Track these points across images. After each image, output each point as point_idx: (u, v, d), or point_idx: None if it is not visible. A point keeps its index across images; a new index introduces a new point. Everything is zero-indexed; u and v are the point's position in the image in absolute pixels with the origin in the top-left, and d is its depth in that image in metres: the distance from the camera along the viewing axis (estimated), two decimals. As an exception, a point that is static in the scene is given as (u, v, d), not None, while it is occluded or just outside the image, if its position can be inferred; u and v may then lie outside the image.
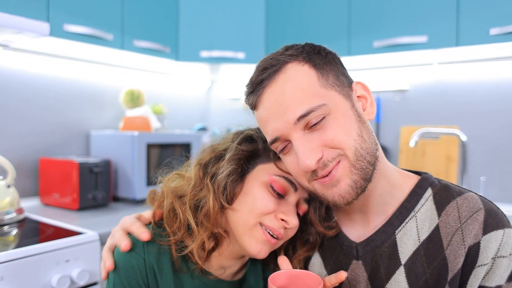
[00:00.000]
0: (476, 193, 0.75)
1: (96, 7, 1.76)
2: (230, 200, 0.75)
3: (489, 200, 0.74)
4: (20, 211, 1.60)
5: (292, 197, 0.77)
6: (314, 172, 0.70)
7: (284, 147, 0.72)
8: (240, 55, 2.17)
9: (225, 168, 0.75)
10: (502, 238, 0.68)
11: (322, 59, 0.73)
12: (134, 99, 2.14)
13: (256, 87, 0.73)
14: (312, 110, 0.67)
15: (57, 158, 1.84)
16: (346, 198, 0.70)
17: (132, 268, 0.74)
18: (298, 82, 0.70)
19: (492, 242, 0.68)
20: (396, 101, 2.17)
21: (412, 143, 1.86)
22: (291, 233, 0.77)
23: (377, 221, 0.78)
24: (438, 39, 1.73)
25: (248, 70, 2.36)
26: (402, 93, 2.16)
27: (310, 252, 0.84)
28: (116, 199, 1.97)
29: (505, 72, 1.88)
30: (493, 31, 1.61)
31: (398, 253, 0.74)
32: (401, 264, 0.74)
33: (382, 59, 1.99)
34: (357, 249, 0.79)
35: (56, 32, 1.62)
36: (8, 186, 1.59)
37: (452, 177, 1.97)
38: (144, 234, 0.76)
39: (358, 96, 0.75)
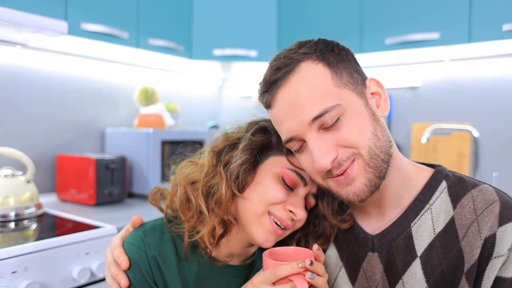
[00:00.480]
0: (490, 185, 0.76)
1: (112, 6, 1.80)
2: (242, 189, 0.77)
3: (504, 192, 0.75)
4: (39, 206, 1.63)
5: (302, 191, 0.79)
6: (329, 171, 0.71)
7: (300, 147, 0.74)
8: (253, 53, 2.19)
9: (238, 157, 0.77)
10: None
11: (335, 57, 0.73)
12: (148, 97, 2.18)
13: (270, 87, 0.74)
14: (327, 111, 0.69)
15: (73, 155, 1.87)
16: (360, 196, 0.72)
17: (135, 262, 0.77)
18: (312, 82, 0.71)
19: (508, 234, 0.69)
20: (408, 98, 2.18)
21: (424, 140, 1.87)
22: (298, 225, 0.79)
23: (392, 214, 0.80)
24: (450, 35, 1.74)
25: (260, 68, 2.38)
26: (413, 90, 2.17)
27: (324, 246, 0.85)
28: (131, 195, 2.00)
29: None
30: (506, 27, 1.62)
31: (414, 245, 0.76)
32: (417, 256, 0.75)
33: (394, 56, 2.00)
34: (372, 242, 0.80)
35: (74, 30, 1.65)
36: (28, 182, 1.62)
37: (464, 173, 1.97)
38: (123, 263, 0.77)
39: (372, 93, 0.76)
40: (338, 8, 2.03)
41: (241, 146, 0.79)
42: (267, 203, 0.75)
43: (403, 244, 0.77)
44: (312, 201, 0.81)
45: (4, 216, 1.52)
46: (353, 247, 0.83)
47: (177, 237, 0.81)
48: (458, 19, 1.72)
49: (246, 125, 0.84)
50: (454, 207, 0.74)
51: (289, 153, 0.80)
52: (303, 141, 0.73)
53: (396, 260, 0.77)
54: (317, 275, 0.67)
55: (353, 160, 0.71)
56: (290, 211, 0.76)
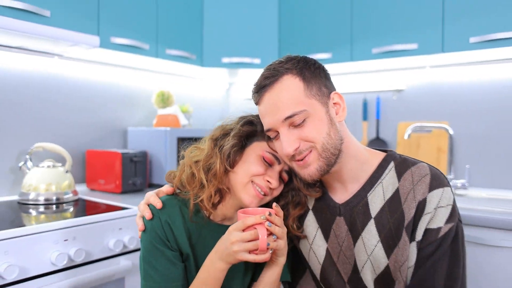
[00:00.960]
0: (426, 163, 1.03)
1: (136, 22, 2.09)
2: (232, 165, 1.04)
3: (436, 168, 1.02)
4: (75, 192, 1.93)
5: (277, 167, 1.05)
6: (292, 156, 0.99)
7: (276, 135, 1.02)
8: (256, 60, 2.48)
9: (229, 142, 1.05)
10: (442, 194, 0.96)
11: (310, 74, 0.99)
12: (165, 100, 2.47)
13: (259, 90, 1.00)
14: (296, 114, 0.95)
15: (101, 149, 2.17)
16: (312, 177, 1.00)
17: (152, 227, 1.04)
18: (289, 92, 0.96)
19: (434, 197, 0.96)
20: (394, 100, 2.46)
21: (405, 136, 2.14)
22: (275, 193, 1.06)
23: (353, 188, 1.06)
24: (427, 46, 2.02)
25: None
26: (399, 93, 2.45)
27: (301, 211, 1.12)
28: (151, 185, 2.29)
29: (488, 75, 2.15)
30: (472, 39, 1.89)
31: (370, 210, 1.03)
32: (371, 218, 1.02)
33: (381, 64, 2.28)
34: (339, 209, 1.07)
35: (105, 44, 1.95)
36: (67, 172, 1.92)
37: (442, 166, 2.25)
38: (158, 204, 1.05)
39: (334, 103, 1.01)
40: (331, 21, 2.31)
41: (232, 133, 1.07)
42: (251, 175, 1.03)
43: (362, 210, 1.04)
44: (285, 176, 1.07)
45: (47, 199, 1.82)
46: (325, 213, 1.10)
47: (184, 206, 1.08)
48: (433, 32, 1.99)
49: (237, 119, 1.13)
50: (399, 180, 1.01)
51: (269, 139, 1.07)
52: (278, 132, 1.00)
53: (356, 222, 1.04)
54: (275, 224, 0.93)
55: (310, 151, 0.97)
56: (268, 181, 1.03)
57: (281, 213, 0.97)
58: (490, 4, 1.86)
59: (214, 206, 1.07)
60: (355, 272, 1.04)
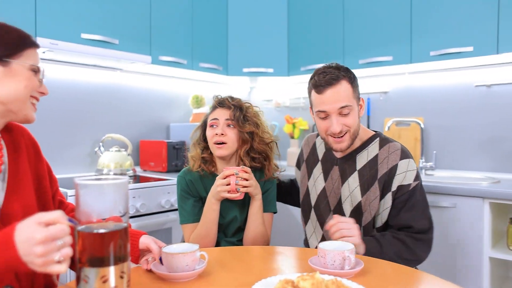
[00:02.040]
0: (400, 143, 1.51)
1: (177, 43, 2.78)
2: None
3: (405, 147, 1.50)
4: (134, 170, 2.64)
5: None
6: (333, 134, 1.44)
7: (325, 116, 1.45)
8: (270, 70, 3.14)
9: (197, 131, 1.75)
10: (409, 163, 1.43)
11: (354, 82, 1.46)
12: (198, 102, 3.16)
13: (324, 85, 1.42)
14: (347, 106, 1.42)
15: (150, 140, 2.87)
16: (342, 149, 1.48)
17: (181, 184, 1.69)
18: (345, 91, 1.42)
19: (403, 164, 1.43)
20: (381, 100, 3.05)
21: (386, 128, 2.73)
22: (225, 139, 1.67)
23: (348, 150, 1.53)
24: (399, 58, 2.61)
25: (276, 80, 3.33)
26: (385, 94, 3.04)
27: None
28: (188, 167, 2.98)
29: (451, 80, 2.72)
30: (432, 53, 2.47)
31: (356, 165, 1.51)
32: (356, 170, 1.51)
33: (368, 72, 2.88)
34: (337, 161, 1.57)
35: (155, 61, 2.64)
36: (128, 155, 2.63)
37: (417, 151, 2.82)
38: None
39: (360, 104, 1.51)
40: (324, 40, 2.93)
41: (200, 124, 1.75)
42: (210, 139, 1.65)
43: (351, 164, 1.52)
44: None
45: (115, 174, 2.53)
46: (327, 163, 1.61)
47: (201, 171, 1.69)
48: (403, 46, 2.58)
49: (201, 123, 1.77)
50: (379, 150, 1.49)
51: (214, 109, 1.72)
52: (328, 115, 1.44)
53: (346, 171, 1.53)
54: (241, 177, 1.50)
55: (346, 133, 1.45)
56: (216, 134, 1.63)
57: (248, 170, 1.55)
58: None
59: (207, 163, 1.69)
60: (339, 204, 1.53)
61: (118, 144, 2.70)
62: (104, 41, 2.36)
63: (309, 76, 3.06)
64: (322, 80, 1.44)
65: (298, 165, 1.80)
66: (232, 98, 1.74)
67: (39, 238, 0.73)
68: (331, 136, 1.46)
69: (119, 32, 2.45)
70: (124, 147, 2.70)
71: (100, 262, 0.79)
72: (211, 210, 1.58)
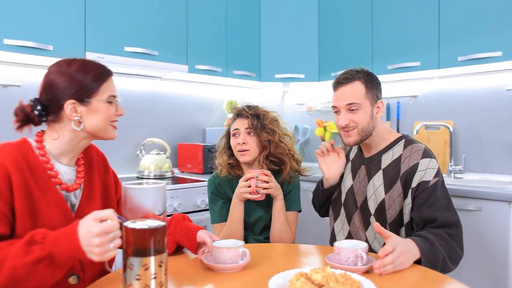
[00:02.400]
0: (423, 144, 1.58)
1: (211, 53, 2.95)
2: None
3: (429, 148, 1.56)
4: (172, 172, 2.83)
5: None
6: (343, 127, 1.56)
7: (337, 112, 1.59)
8: (301, 75, 3.25)
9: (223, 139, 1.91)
10: (430, 162, 1.49)
11: (370, 84, 1.55)
12: (232, 106, 3.31)
13: (338, 83, 1.57)
14: (354, 103, 1.53)
15: (187, 143, 3.05)
16: (350, 144, 1.59)
17: (209, 186, 1.86)
18: (355, 90, 1.54)
19: (424, 162, 1.49)
20: (411, 103, 3.10)
21: (414, 132, 2.79)
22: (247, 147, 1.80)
23: (375, 151, 1.63)
24: (427, 63, 2.66)
25: (307, 85, 3.44)
26: (414, 98, 3.09)
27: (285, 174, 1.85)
28: (223, 169, 3.14)
29: (481, 83, 2.74)
30: (460, 58, 2.51)
31: (381, 164, 1.59)
32: (381, 169, 1.59)
33: (397, 76, 2.94)
34: (364, 160, 1.66)
35: (191, 70, 2.82)
36: (167, 158, 2.82)
37: (446, 155, 2.86)
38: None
39: (377, 107, 1.58)
40: (353, 46, 3.02)
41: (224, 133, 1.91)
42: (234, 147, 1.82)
43: (376, 163, 1.60)
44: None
45: (155, 175, 2.72)
46: (357, 162, 1.70)
47: (228, 176, 1.85)
48: (432, 52, 2.63)
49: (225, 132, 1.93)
50: (403, 150, 1.57)
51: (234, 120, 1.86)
52: (339, 110, 1.58)
53: (372, 170, 1.61)
54: (261, 179, 1.64)
55: (353, 129, 1.55)
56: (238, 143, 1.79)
57: (268, 173, 1.68)
58: None
59: (233, 168, 1.85)
60: (365, 201, 1.61)
61: (157, 148, 2.89)
62: (145, 53, 2.56)
63: None
64: (339, 79, 1.60)
65: None
66: (249, 107, 1.86)
67: (96, 232, 0.92)
68: (342, 130, 1.59)
69: (158, 44, 2.64)
70: (163, 150, 2.90)
71: (142, 253, 0.93)
72: (235, 210, 1.73)
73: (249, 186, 1.66)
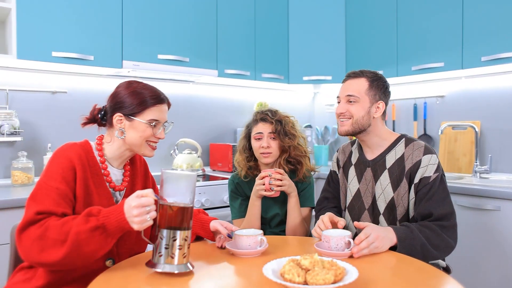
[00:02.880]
0: (423, 142, 1.63)
1: (240, 58, 3.11)
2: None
3: (428, 145, 1.62)
4: (203, 170, 3.01)
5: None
6: (339, 116, 1.67)
7: (339, 101, 1.69)
8: (328, 77, 3.35)
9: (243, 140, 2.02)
10: (431, 157, 1.56)
11: (376, 85, 1.65)
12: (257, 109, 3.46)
13: (349, 75, 1.69)
14: (352, 96, 1.63)
15: (219, 143, 3.23)
16: (341, 133, 1.67)
17: (230, 185, 2.01)
18: (357, 85, 1.64)
19: (426, 159, 1.56)
20: (437, 103, 3.12)
21: (439, 132, 2.81)
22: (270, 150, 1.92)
23: (377, 152, 1.68)
24: (450, 64, 2.69)
25: (335, 87, 3.52)
26: (441, 98, 3.10)
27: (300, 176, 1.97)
28: (252, 168, 3.29)
29: (509, 83, 2.73)
30: (483, 58, 2.52)
31: (385, 164, 1.64)
32: (386, 169, 1.64)
33: (424, 76, 2.97)
34: (368, 163, 1.70)
35: (221, 74, 3.00)
36: (198, 157, 3.02)
37: (473, 155, 2.86)
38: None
39: (377, 106, 1.65)
40: (379, 48, 3.07)
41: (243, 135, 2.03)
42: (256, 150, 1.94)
43: (381, 164, 1.66)
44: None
45: (187, 174, 2.92)
46: (360, 166, 1.74)
47: (246, 176, 2.00)
48: (455, 52, 2.65)
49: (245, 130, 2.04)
50: (405, 148, 1.63)
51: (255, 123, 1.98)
52: (340, 100, 1.68)
53: (377, 171, 1.66)
54: (274, 177, 1.78)
55: (349, 118, 1.64)
56: (262, 146, 1.90)
57: (281, 171, 1.82)
58: None
59: (251, 169, 1.99)
60: (374, 202, 1.66)
61: (189, 147, 3.10)
62: (176, 60, 2.76)
63: None
64: (349, 73, 1.72)
65: (332, 176, 1.94)
66: (272, 113, 1.97)
67: (134, 205, 1.14)
68: (338, 118, 1.70)
69: (189, 51, 2.84)
70: (195, 150, 3.09)
71: (172, 227, 1.17)
72: (253, 206, 1.88)
73: (264, 184, 1.81)
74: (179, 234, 1.17)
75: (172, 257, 1.16)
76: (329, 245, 1.33)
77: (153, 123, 1.40)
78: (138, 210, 1.13)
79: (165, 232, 1.17)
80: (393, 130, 3.33)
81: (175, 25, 2.78)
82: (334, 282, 1.03)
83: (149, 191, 1.17)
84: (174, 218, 1.17)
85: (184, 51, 2.81)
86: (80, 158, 1.32)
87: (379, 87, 1.67)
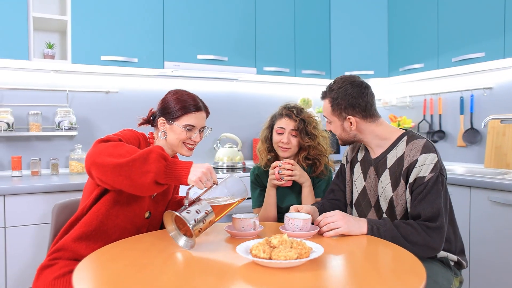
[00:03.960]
0: (426, 138, 1.57)
1: (279, 55, 3.22)
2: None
3: (431, 142, 1.56)
4: (244, 163, 3.17)
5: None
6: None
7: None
8: (371, 72, 3.33)
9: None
10: (428, 157, 1.49)
11: (335, 103, 1.62)
12: (306, 103, 3.53)
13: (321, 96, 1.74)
14: (326, 118, 1.68)
15: (261, 138, 3.37)
16: (340, 144, 1.73)
17: (250, 176, 2.12)
18: (326, 108, 1.66)
19: (422, 158, 1.50)
20: (484, 96, 2.97)
21: (482, 125, 2.69)
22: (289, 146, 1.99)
23: (379, 152, 1.64)
24: (491, 54, 2.57)
25: (378, 81, 3.49)
26: (489, 90, 2.95)
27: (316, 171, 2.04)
28: (293, 162, 3.39)
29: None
30: (526, 46, 2.39)
31: (387, 163, 1.61)
32: (387, 168, 1.61)
33: (469, 68, 2.86)
34: (372, 162, 1.68)
35: (259, 71, 3.13)
36: (238, 150, 3.18)
37: (520, 150, 2.70)
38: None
39: (349, 122, 1.61)
40: (420, 41, 3.00)
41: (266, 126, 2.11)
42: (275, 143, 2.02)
43: (383, 163, 1.63)
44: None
45: (227, 166, 3.10)
46: (365, 164, 1.72)
47: (264, 167, 2.10)
48: (497, 41, 2.53)
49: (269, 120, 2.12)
50: (406, 146, 1.57)
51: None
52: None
53: (379, 169, 1.64)
54: (283, 167, 1.87)
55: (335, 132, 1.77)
56: (282, 141, 1.98)
57: (292, 162, 1.90)
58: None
59: (271, 161, 2.07)
60: (378, 200, 1.66)
61: (231, 142, 3.27)
62: (215, 59, 2.95)
63: (407, 76, 3.36)
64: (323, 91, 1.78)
65: (342, 168, 1.95)
66: (297, 111, 2.05)
67: (205, 166, 1.36)
68: None
69: (228, 50, 3.01)
70: (236, 144, 3.26)
71: (213, 207, 1.36)
72: (268, 195, 2.00)
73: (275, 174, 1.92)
74: (211, 215, 1.34)
75: (194, 222, 1.30)
76: (289, 226, 1.48)
77: (189, 128, 1.61)
78: (204, 171, 1.34)
79: (203, 207, 1.34)
80: (440, 125, 3.26)
81: (213, 26, 2.97)
82: (297, 259, 1.13)
83: (209, 166, 1.39)
84: (218, 206, 1.38)
85: (223, 50, 2.99)
86: (140, 141, 1.60)
87: (341, 105, 1.63)
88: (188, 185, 1.36)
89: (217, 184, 1.38)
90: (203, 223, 1.32)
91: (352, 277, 1.11)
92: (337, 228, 1.45)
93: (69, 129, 2.67)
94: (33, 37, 2.49)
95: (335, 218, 1.47)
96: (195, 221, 1.30)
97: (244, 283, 1.06)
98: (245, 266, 1.16)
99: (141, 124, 1.71)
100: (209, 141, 3.31)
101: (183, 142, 1.62)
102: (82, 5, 2.56)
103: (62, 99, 2.81)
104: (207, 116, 1.70)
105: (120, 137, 1.48)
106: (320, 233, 1.48)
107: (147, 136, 1.66)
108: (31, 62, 2.45)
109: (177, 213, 1.31)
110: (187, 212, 1.31)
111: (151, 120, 1.70)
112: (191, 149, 1.65)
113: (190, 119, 1.61)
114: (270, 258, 1.15)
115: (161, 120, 1.63)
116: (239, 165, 3.13)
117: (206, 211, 1.33)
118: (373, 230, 1.47)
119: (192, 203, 1.37)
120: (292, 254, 1.13)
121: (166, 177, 1.34)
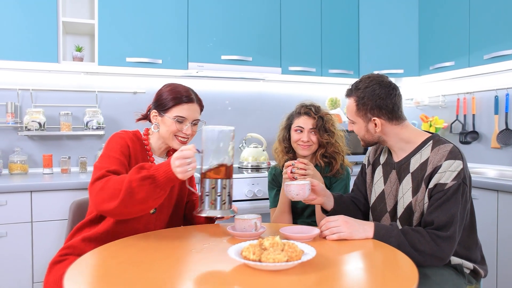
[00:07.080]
0: (452, 143, 1.50)
1: (304, 54, 3.19)
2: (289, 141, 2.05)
3: (458, 148, 1.48)
4: (269, 163, 3.17)
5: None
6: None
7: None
8: (400, 71, 3.24)
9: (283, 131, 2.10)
10: (453, 163, 1.42)
11: (361, 103, 1.55)
12: (334, 103, 3.48)
13: (345, 94, 1.67)
14: (349, 118, 1.63)
15: (287, 138, 3.35)
16: (362, 145, 1.68)
17: (268, 176, 2.13)
18: (350, 107, 1.61)
19: (446, 164, 1.43)
20: (521, 95, 2.81)
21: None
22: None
23: (402, 155, 1.59)
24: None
25: (408, 81, 3.38)
26: (526, 89, 2.79)
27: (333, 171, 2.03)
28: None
29: None
30: None
31: (409, 168, 1.55)
32: (409, 172, 1.55)
33: (501, 66, 2.71)
34: (394, 165, 1.62)
35: (285, 71, 3.12)
36: (263, 150, 3.19)
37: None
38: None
39: (374, 124, 1.55)
40: (451, 38, 2.88)
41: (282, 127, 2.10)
42: (294, 141, 2.01)
43: (405, 167, 1.57)
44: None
45: (252, 165, 3.10)
46: (387, 167, 1.67)
47: (280, 167, 2.10)
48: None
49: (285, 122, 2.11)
50: (431, 151, 1.51)
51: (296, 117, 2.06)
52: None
53: (401, 174, 1.58)
54: (296, 167, 1.82)
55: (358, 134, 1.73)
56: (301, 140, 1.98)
57: (305, 161, 1.86)
58: None
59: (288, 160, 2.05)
60: (395, 204, 1.61)
61: (256, 142, 3.28)
62: (239, 59, 2.96)
63: (438, 74, 3.26)
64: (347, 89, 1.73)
65: (363, 168, 1.91)
66: (316, 108, 2.04)
67: (176, 156, 1.31)
68: None
69: (252, 51, 3.02)
70: (261, 144, 3.27)
71: (211, 176, 1.35)
72: (283, 195, 2.00)
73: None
74: (217, 183, 1.34)
75: (213, 203, 1.35)
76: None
77: (179, 120, 1.59)
78: (179, 161, 1.30)
79: (206, 182, 1.35)
80: (473, 126, 3.12)
81: (237, 27, 2.99)
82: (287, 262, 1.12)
83: (190, 146, 1.35)
84: (212, 169, 1.35)
85: (247, 50, 3.00)
86: (132, 140, 1.59)
87: (367, 105, 1.56)
88: (184, 180, 1.36)
89: (201, 151, 1.35)
90: (220, 196, 1.35)
91: (340, 281, 1.10)
92: (339, 233, 1.43)
93: (97, 128, 2.77)
94: (65, 40, 2.61)
95: (338, 223, 1.45)
96: (211, 203, 1.35)
97: (232, 284, 1.07)
98: (237, 268, 1.16)
99: (139, 119, 1.72)
100: (236, 141, 3.33)
101: (175, 135, 1.60)
102: (109, 8, 2.65)
103: (91, 99, 2.93)
104: (201, 110, 1.67)
105: (107, 164, 1.47)
106: (323, 237, 1.46)
107: (141, 134, 1.67)
108: (60, 64, 2.56)
109: (199, 215, 1.37)
110: (202, 203, 1.36)
111: (148, 115, 1.70)
112: (183, 142, 1.61)
113: (181, 110, 1.58)
114: (260, 260, 1.15)
115: (153, 113, 1.63)
116: (264, 165, 3.14)
117: (212, 185, 1.34)
118: (380, 235, 1.43)
119: (202, 191, 1.37)
120: (281, 257, 1.12)
121: (161, 189, 1.34)
